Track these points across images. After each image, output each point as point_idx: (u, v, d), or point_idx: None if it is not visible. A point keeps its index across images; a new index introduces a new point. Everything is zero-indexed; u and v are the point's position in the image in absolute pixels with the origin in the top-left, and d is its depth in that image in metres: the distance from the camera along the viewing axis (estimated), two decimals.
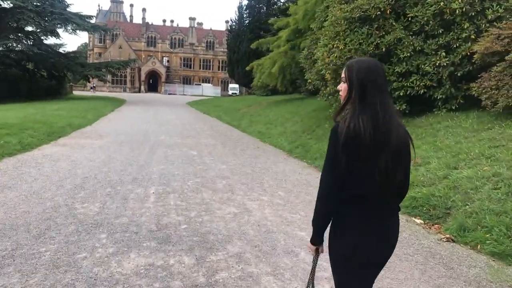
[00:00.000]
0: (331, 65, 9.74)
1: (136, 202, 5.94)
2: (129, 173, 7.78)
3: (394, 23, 9.35)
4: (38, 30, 33.27)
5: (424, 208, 5.76)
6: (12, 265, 3.72)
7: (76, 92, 53.27)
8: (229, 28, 49.52)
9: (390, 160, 1.86)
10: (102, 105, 28.02)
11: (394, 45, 9.26)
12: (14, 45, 31.31)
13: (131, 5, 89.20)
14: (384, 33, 9.43)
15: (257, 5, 45.19)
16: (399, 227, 2.06)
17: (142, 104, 35.21)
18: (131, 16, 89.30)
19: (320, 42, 10.94)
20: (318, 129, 12.21)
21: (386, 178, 1.87)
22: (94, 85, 66.49)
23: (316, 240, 2.08)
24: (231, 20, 49.71)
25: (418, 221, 5.57)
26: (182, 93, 76.00)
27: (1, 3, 29.84)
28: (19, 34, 33.29)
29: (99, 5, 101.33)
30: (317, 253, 2.13)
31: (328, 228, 2.05)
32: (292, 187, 7.17)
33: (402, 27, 9.32)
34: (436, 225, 5.43)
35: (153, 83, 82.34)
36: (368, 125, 1.82)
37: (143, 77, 78.32)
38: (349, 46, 9.60)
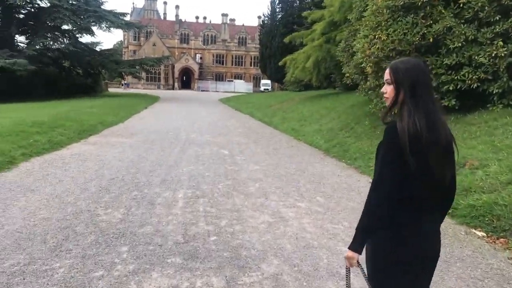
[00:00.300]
0: (372, 57, 9.01)
1: (163, 207, 5.50)
2: (158, 175, 7.37)
3: (443, 11, 8.51)
4: (74, 28, 33.77)
5: (486, 219, 5.03)
6: (20, 284, 3.31)
7: (111, 89, 54.22)
8: (261, 23, 48.93)
9: (441, 159, 1.85)
10: (135, 102, 28.10)
11: (443, 35, 8.43)
12: (51, 43, 31.83)
13: (165, 3, 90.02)
14: (431, 21, 8.61)
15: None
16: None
17: (175, 101, 35.22)
18: (164, 13, 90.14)
19: (359, 34, 10.22)
20: (357, 126, 11.48)
21: (439, 178, 1.86)
22: (126, 82, 67.26)
23: (361, 248, 1.93)
24: (263, 15, 49.15)
25: (480, 233, 4.86)
26: (214, 89, 76.09)
27: (39, 2, 30.38)
28: (55, 33, 33.91)
29: (133, 3, 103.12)
30: (355, 264, 1.94)
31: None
32: (332, 191, 6.55)
33: (452, 14, 8.47)
34: (502, 239, 4.70)
35: (186, 80, 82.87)
36: (423, 125, 1.80)
37: (176, 74, 78.92)
38: (392, 36, 8.83)
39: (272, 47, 43.65)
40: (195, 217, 5.15)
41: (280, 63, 21.35)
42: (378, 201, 1.86)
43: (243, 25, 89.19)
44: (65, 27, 33.35)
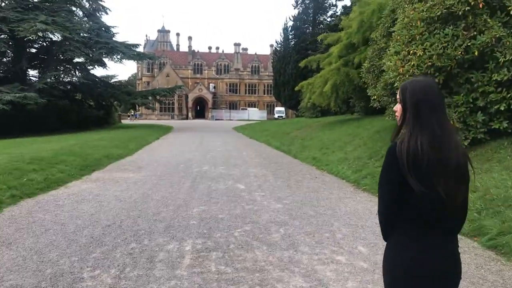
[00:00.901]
0: (407, 75, 7.88)
1: (165, 266, 4.33)
2: (163, 218, 6.23)
3: (488, 20, 7.40)
4: (85, 61, 33.58)
5: None
6: None
7: (125, 121, 54.04)
8: (274, 50, 48.51)
9: (450, 181, 1.82)
10: (147, 133, 27.32)
11: (491, 47, 7.29)
12: (62, 76, 31.57)
13: (178, 34, 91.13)
14: (475, 32, 7.49)
15: (302, 26, 43.95)
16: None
17: (189, 131, 34.43)
18: (177, 44, 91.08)
19: (389, 50, 9.14)
20: None
21: (447, 199, 1.82)
22: (134, 113, 67.09)
23: None
24: (276, 42, 48.77)
25: None
26: (228, 118, 75.64)
27: (51, 36, 30.24)
28: (67, 66, 33.76)
29: (146, 36, 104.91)
30: None
31: None
32: (374, 237, 5.31)
33: (500, 23, 7.35)
34: None
35: (200, 109, 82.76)
36: (425, 145, 1.81)
37: (190, 104, 78.87)
38: (429, 51, 7.72)
39: (286, 74, 43.00)
40: (205, 281, 3.96)
41: (296, 88, 20.38)
42: (379, 220, 1.98)
43: (255, 53, 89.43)
44: (77, 59, 33.11)
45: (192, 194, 8.14)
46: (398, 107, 1.97)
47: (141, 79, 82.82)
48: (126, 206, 7.05)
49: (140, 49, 42.17)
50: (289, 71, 42.19)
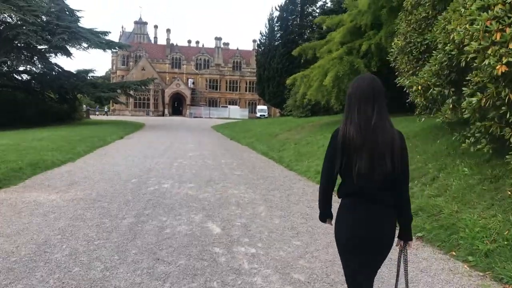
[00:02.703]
0: (502, 48, 4.48)
1: None
2: None
3: None
4: (44, 47, 29.40)
5: None
6: None
7: (93, 117, 49.67)
8: (258, 43, 44.95)
9: (367, 159, 2.19)
10: (111, 131, 23.45)
11: None
12: (15, 63, 27.26)
13: (155, 26, 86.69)
14: None
15: (289, 17, 40.56)
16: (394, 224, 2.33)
17: (161, 129, 30.65)
18: (155, 37, 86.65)
19: (453, 12, 5.74)
20: (447, 177, 6.85)
21: (370, 175, 2.20)
22: (103, 109, 63.32)
23: (322, 216, 2.57)
24: (260, 34, 45.16)
25: None
26: (208, 116, 71.82)
27: (5, 16, 26.01)
28: (23, 52, 29.50)
29: (122, 27, 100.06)
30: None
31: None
32: None
33: None
34: None
35: (177, 106, 78.65)
36: (351, 130, 2.20)
37: (167, 99, 74.67)
38: None
39: (271, 69, 39.57)
40: None
41: (288, 81, 16.97)
42: (319, 192, 2.51)
43: (237, 49, 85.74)
44: (35, 46, 28.89)
45: (127, 248, 4.58)
46: None
47: (116, 72, 78.09)
48: None
49: (113, 38, 38.03)
50: (274, 65, 38.75)
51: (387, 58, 8.95)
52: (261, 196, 7.51)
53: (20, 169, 8.94)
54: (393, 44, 8.30)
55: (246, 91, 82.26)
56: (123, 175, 9.47)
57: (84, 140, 16.61)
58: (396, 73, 8.47)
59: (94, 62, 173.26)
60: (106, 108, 65.18)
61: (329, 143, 2.33)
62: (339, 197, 2.36)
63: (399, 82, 8.20)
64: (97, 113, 62.08)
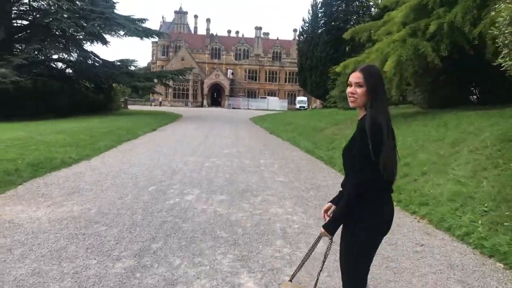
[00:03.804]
0: None
1: None
2: None
3: None
4: (79, 35, 28.38)
5: None
6: None
7: (134, 107, 49.01)
8: (300, 30, 42.45)
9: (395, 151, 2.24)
10: (144, 123, 22.05)
11: None
12: (48, 51, 26.29)
13: (195, 16, 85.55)
14: None
15: (334, 2, 37.82)
16: None
17: (198, 121, 29.11)
18: (195, 27, 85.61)
19: None
20: None
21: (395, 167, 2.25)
22: (153, 99, 64.53)
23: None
24: (303, 21, 42.49)
25: None
26: (246, 107, 70.18)
27: (32, 3, 25.04)
28: (59, 40, 28.61)
29: (162, 17, 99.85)
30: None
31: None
32: None
33: None
34: None
35: (216, 96, 77.49)
36: (385, 121, 2.15)
37: (206, 90, 73.57)
38: None
39: (314, 58, 37.13)
40: None
41: (339, 69, 14.74)
42: (358, 189, 2.23)
43: (277, 39, 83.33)
44: (69, 33, 27.90)
45: None
46: (359, 90, 2.21)
47: (156, 63, 77.77)
48: None
49: (153, 28, 36.52)
50: (317, 54, 36.29)
51: (490, 32, 6.62)
52: (316, 220, 5.48)
53: (16, 171, 7.34)
54: (501, 9, 5.99)
55: (285, 82, 79.89)
56: (140, 179, 7.70)
57: (111, 133, 15.12)
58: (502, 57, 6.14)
59: (136, 53, 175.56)
60: (160, 99, 65.84)
61: (373, 134, 2.15)
62: (373, 191, 2.20)
63: (504, 64, 5.91)
64: (152, 104, 63.16)
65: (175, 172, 8.65)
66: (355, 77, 2.23)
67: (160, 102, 66.61)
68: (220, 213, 5.68)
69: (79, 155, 9.84)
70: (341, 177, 8.57)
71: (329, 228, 2.27)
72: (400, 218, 5.62)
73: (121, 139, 14.12)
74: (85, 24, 27.04)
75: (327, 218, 2.42)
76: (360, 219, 2.18)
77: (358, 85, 2.21)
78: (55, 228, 4.81)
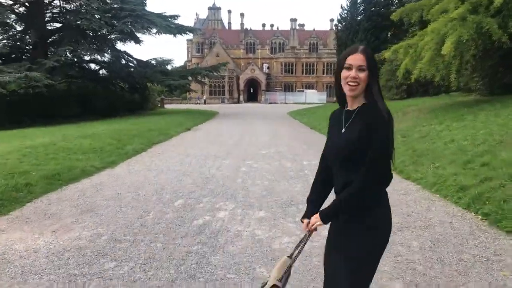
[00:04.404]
0: None
1: None
2: None
3: None
4: (112, 35, 27.99)
5: None
6: None
7: (172, 106, 48.73)
8: (339, 18, 40.42)
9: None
10: (178, 122, 21.30)
11: None
12: (81, 52, 26.00)
13: (229, 11, 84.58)
14: None
15: None
16: None
17: (234, 118, 28.14)
18: (229, 22, 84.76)
19: None
20: None
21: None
22: (199, 97, 64.89)
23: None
24: (341, 7, 40.50)
25: None
26: (283, 101, 68.73)
27: (65, 6, 24.73)
28: (92, 40, 28.32)
29: (196, 14, 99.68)
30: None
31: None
32: None
33: None
34: None
35: (252, 92, 76.40)
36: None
37: (241, 86, 72.68)
38: None
39: None
40: None
41: (387, 54, 13.17)
42: (374, 184, 2.00)
43: (313, 30, 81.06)
44: (101, 32, 27.56)
45: None
46: (362, 74, 1.94)
47: (191, 60, 77.51)
48: None
49: (184, 24, 35.81)
50: (357, 42, 34.33)
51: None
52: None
53: (27, 186, 6.44)
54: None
55: (323, 73, 77.62)
56: (167, 191, 6.65)
57: (141, 134, 14.29)
58: None
59: (172, 53, 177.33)
60: (204, 97, 66.23)
61: (390, 126, 1.95)
62: (383, 188, 2.05)
63: None
64: (198, 101, 63.78)
65: (207, 180, 7.56)
66: (357, 59, 1.96)
67: (205, 101, 66.47)
68: (259, 238, 4.50)
69: (103, 163, 8.95)
70: (400, 181, 7.10)
71: (325, 218, 2.05)
72: (496, 240, 4.25)
73: (152, 141, 13.24)
74: (116, 23, 26.58)
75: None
76: (374, 226, 1.98)
77: (361, 68, 1.95)
78: (53, 266, 3.80)
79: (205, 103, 64.25)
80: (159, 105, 43.50)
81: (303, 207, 5.53)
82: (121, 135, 13.48)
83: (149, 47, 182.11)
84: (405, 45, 12.58)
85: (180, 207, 5.73)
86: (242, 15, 79.97)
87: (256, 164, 9.29)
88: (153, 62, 33.08)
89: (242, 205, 5.83)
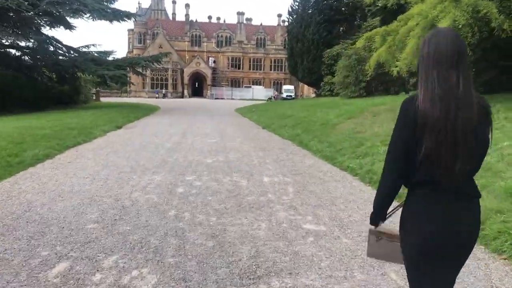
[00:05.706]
0: None
1: None
2: None
3: None
4: (36, 18, 24.11)
5: None
6: None
7: (108, 99, 44.70)
8: (289, 10, 38.37)
9: (450, 139, 1.61)
10: (108, 118, 18.17)
11: None
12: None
13: (174, 2, 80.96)
14: None
15: None
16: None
17: (177, 114, 25.29)
18: (173, 13, 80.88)
19: None
20: None
21: (451, 160, 1.63)
22: (157, 91, 61.21)
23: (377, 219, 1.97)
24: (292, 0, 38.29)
25: None
26: (230, 97, 66.30)
27: None
28: (11, 23, 24.27)
29: (138, 3, 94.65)
30: None
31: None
32: None
33: None
34: None
35: (198, 86, 73.24)
36: (426, 101, 1.63)
37: (186, 80, 69.27)
38: None
39: (305, 41, 33.40)
40: None
41: (359, 43, 11.08)
42: (384, 184, 1.86)
43: (261, 24, 79.30)
44: (30, 17, 23.58)
45: None
46: None
47: (132, 52, 72.91)
48: None
49: (115, 6, 32.09)
50: (309, 36, 32.54)
51: None
52: None
53: None
54: None
55: (271, 70, 76.08)
56: (49, 239, 3.96)
57: (55, 135, 11.24)
58: None
59: (114, 46, 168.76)
60: (163, 91, 63.63)
61: (400, 119, 1.72)
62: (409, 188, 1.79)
63: None
64: (156, 96, 61.21)
65: (121, 213, 4.93)
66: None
67: (164, 95, 62.67)
68: None
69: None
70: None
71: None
72: None
73: (66, 143, 10.27)
74: (39, 2, 22.77)
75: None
76: (402, 227, 1.86)
77: None
78: None
79: (164, 97, 60.63)
80: (94, 98, 39.47)
81: (279, 284, 3.02)
82: (25, 136, 10.38)
83: (88, 39, 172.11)
84: (381, 32, 10.50)
85: (63, 276, 3.09)
86: (187, 6, 76.62)
87: (199, 181, 6.76)
88: (88, 50, 29.39)
89: (169, 279, 3.29)
